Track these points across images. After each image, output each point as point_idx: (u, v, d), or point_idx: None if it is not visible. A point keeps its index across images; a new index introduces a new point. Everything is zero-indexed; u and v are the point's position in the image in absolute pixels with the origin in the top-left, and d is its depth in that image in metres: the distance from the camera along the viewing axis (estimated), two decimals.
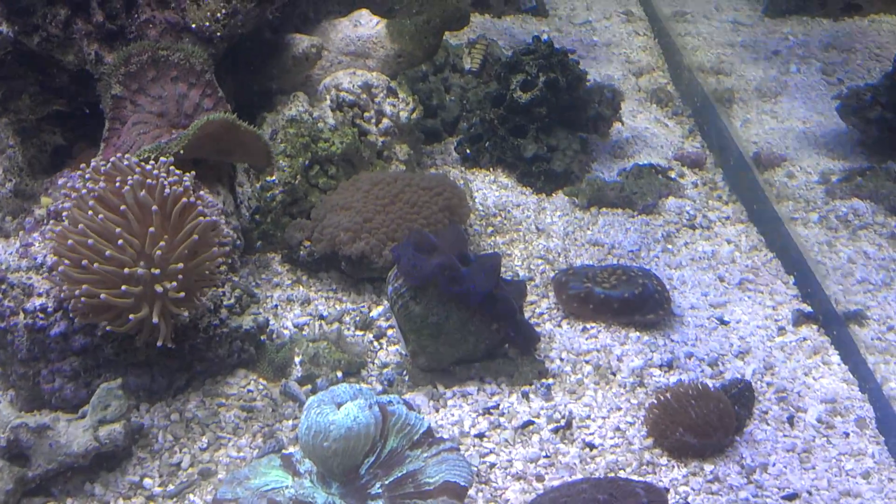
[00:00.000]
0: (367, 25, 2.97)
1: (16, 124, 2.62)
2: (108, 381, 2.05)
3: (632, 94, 3.49)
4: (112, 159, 2.13)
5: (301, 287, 2.52)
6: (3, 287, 2.11)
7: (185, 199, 2.04)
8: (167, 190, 2.03)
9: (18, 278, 2.13)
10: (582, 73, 3.04)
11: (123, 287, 1.94)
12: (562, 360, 2.23)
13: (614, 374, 2.18)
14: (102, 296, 1.95)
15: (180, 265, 1.97)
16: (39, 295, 2.10)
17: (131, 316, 1.95)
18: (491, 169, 3.03)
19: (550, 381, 2.16)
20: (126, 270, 1.96)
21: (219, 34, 2.57)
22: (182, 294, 1.98)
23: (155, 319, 1.96)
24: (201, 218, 2.04)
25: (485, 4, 3.97)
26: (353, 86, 2.87)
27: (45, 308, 2.08)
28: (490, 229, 2.74)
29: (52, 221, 2.19)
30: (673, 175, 2.97)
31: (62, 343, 2.09)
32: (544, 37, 3.10)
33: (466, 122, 3.14)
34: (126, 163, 2.12)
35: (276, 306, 2.44)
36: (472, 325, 2.19)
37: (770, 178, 2.94)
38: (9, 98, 2.60)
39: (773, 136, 3.16)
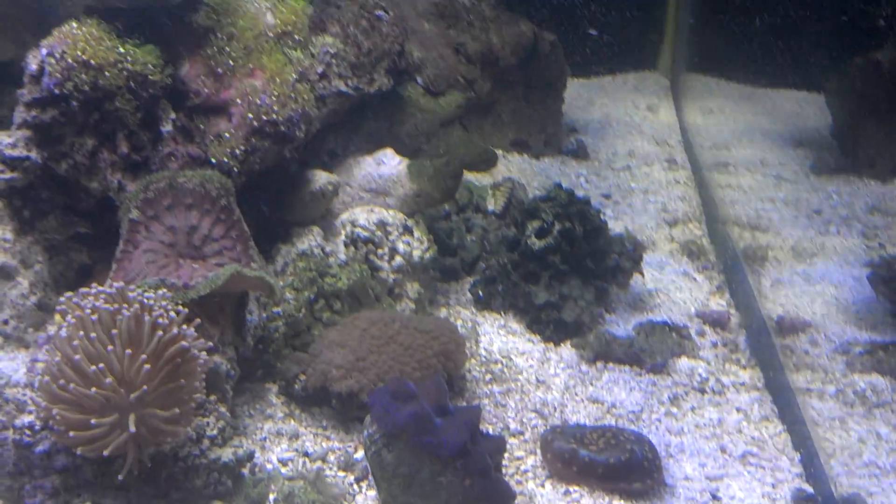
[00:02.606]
0: (389, 164, 3.26)
1: (44, 242, 2.96)
2: (85, 501, 2.28)
3: (663, 244, 3.66)
4: (118, 286, 2.42)
5: (292, 421, 2.72)
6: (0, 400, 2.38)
7: (173, 331, 2.31)
8: (158, 321, 2.30)
9: (14, 394, 2.40)
10: (602, 224, 3.24)
11: (95, 421, 2.19)
12: None
13: None
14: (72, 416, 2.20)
15: (153, 392, 2.21)
16: (30, 412, 2.36)
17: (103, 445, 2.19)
18: (502, 313, 3.22)
19: None
20: (100, 393, 2.20)
21: (236, 169, 2.89)
22: (158, 423, 2.21)
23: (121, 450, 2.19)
24: (185, 347, 2.30)
25: (524, 145, 4.25)
26: (369, 222, 3.14)
27: (33, 426, 2.34)
28: (489, 377, 2.91)
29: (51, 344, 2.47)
30: (689, 334, 3.10)
31: (45, 461, 2.34)
32: (567, 187, 3.33)
33: (485, 262, 3.36)
34: (131, 294, 2.41)
35: (265, 438, 2.65)
36: (444, 479, 2.34)
37: (791, 344, 3.04)
38: (37, 217, 2.95)
39: (803, 299, 3.26)
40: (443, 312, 3.22)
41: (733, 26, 4.59)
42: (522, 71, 4.15)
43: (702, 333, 3.15)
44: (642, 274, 3.30)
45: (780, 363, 2.89)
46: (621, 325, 3.16)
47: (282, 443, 2.63)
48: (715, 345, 3.10)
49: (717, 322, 3.21)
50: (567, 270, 3.16)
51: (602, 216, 3.26)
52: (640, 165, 4.28)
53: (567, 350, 3.05)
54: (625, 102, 4.92)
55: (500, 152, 4.10)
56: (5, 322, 2.99)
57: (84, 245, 3.02)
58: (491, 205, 3.52)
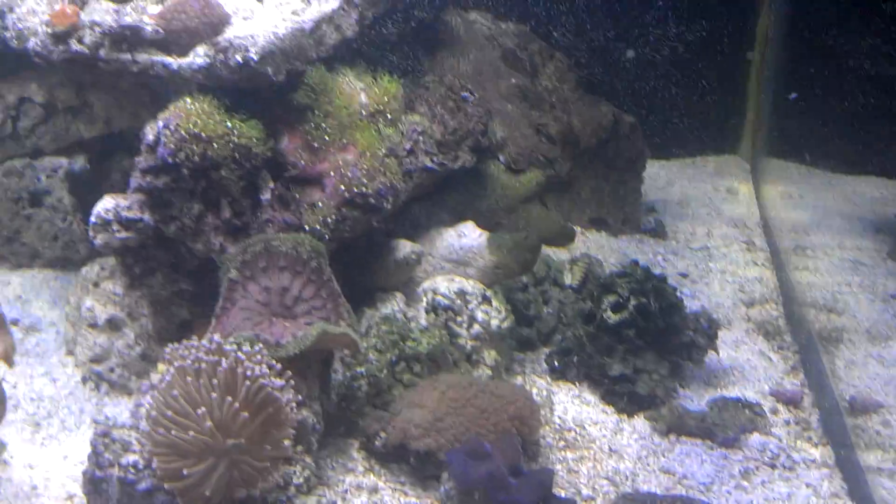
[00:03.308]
0: (470, 237, 3.49)
1: (150, 297, 3.26)
2: None
3: (740, 323, 3.80)
4: (217, 340, 2.68)
5: (372, 475, 2.92)
6: (106, 440, 2.64)
7: (262, 382, 2.55)
8: (250, 373, 2.55)
9: (120, 434, 2.66)
10: (677, 301, 3.40)
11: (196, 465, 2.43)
12: None
13: None
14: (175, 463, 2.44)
15: (247, 439, 2.44)
16: (134, 452, 2.61)
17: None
18: (577, 384, 3.38)
19: None
20: (199, 438, 2.45)
21: (327, 236, 3.15)
22: (251, 469, 2.44)
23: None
24: (278, 399, 2.53)
25: (603, 223, 4.44)
26: (450, 291, 3.36)
27: (137, 464, 2.59)
28: (562, 443, 3.07)
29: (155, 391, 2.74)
30: (762, 411, 3.21)
31: (147, 499, 2.58)
32: (643, 264, 3.51)
33: (561, 334, 3.54)
34: (228, 347, 2.67)
35: (346, 490, 2.85)
36: None
37: (863, 424, 3.13)
38: (146, 274, 3.25)
39: (876, 381, 3.35)
40: (518, 380, 3.40)
41: (815, 113, 4.75)
42: (602, 151, 4.37)
43: (775, 411, 3.26)
44: (717, 351, 3.44)
45: (851, 442, 2.98)
46: (695, 400, 3.30)
47: (362, 496, 2.82)
48: (787, 422, 3.21)
49: (791, 400, 3.32)
50: (642, 345, 3.32)
51: (678, 293, 3.42)
52: (719, 246, 4.44)
53: (640, 422, 3.19)
54: (704, 184, 5.10)
55: (578, 229, 4.30)
56: (111, 370, 3.29)
57: (185, 301, 3.31)
58: (568, 279, 3.72)
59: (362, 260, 3.35)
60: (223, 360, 2.59)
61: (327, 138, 3.31)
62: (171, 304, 3.31)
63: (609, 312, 3.33)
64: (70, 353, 3.42)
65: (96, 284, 3.40)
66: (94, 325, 3.33)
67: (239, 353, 2.62)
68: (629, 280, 3.36)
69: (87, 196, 3.97)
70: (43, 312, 3.68)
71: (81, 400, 3.24)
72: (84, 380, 3.31)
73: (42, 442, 3.04)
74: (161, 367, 3.09)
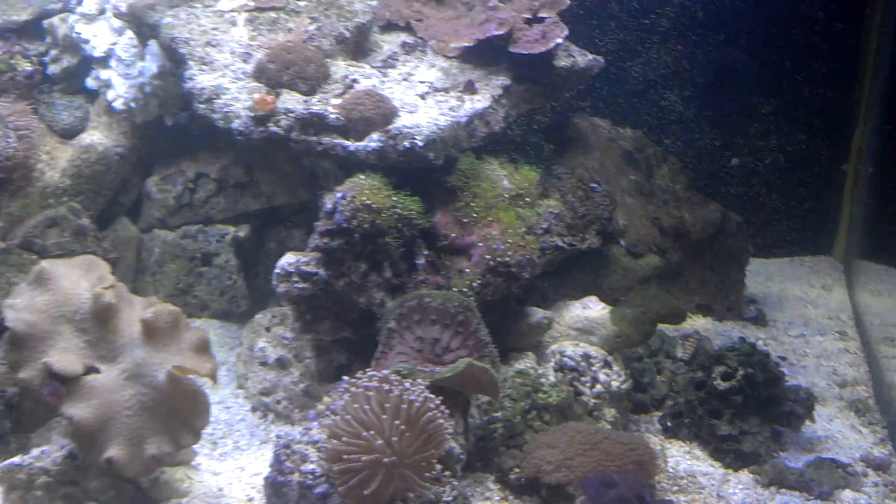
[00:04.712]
0: (594, 308, 3.97)
1: (315, 342, 3.79)
2: None
3: (832, 401, 4.17)
4: (384, 372, 3.18)
5: None
6: (288, 451, 3.12)
7: (427, 406, 3.03)
8: (416, 400, 3.03)
9: (299, 448, 3.15)
10: (780, 374, 3.80)
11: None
12: None
13: None
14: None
15: (410, 456, 2.91)
16: (311, 462, 3.09)
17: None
18: (687, 442, 3.78)
19: None
20: (369, 458, 2.93)
21: (472, 299, 3.65)
22: (412, 483, 2.90)
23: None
24: (437, 422, 3.00)
25: (709, 309, 4.88)
26: (575, 354, 3.82)
27: (314, 472, 3.06)
28: (675, 488, 3.46)
29: (328, 413, 3.24)
30: (854, 471, 3.56)
31: (322, 501, 3.04)
32: (750, 340, 3.93)
33: (672, 400, 3.95)
34: (393, 378, 3.16)
35: None
36: None
37: None
38: (314, 321, 3.79)
39: None
40: (631, 432, 3.82)
41: None
42: (710, 245, 4.84)
43: (865, 474, 3.60)
44: (813, 420, 3.81)
45: None
46: (793, 461, 3.66)
47: None
48: (876, 484, 3.55)
49: (880, 466, 3.66)
50: (747, 410, 3.72)
51: (780, 368, 3.83)
52: (814, 335, 4.83)
53: (745, 475, 3.57)
54: (801, 281, 5.53)
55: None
56: (278, 402, 3.80)
57: (344, 348, 3.82)
58: (680, 352, 4.14)
59: (500, 322, 3.84)
60: (391, 387, 3.07)
61: (475, 215, 3.85)
62: (332, 349, 3.82)
63: (719, 380, 3.74)
64: (241, 387, 3.96)
65: (268, 329, 3.95)
66: (264, 363, 3.87)
67: (404, 384, 3.11)
68: (737, 353, 3.78)
69: (249, 259, 4.60)
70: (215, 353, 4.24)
71: (251, 425, 3.76)
72: (253, 409, 3.84)
73: (219, 457, 3.55)
74: (326, 399, 3.60)
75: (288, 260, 3.74)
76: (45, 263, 3.23)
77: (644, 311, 3.94)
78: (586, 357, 3.82)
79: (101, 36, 4.49)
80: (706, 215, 4.81)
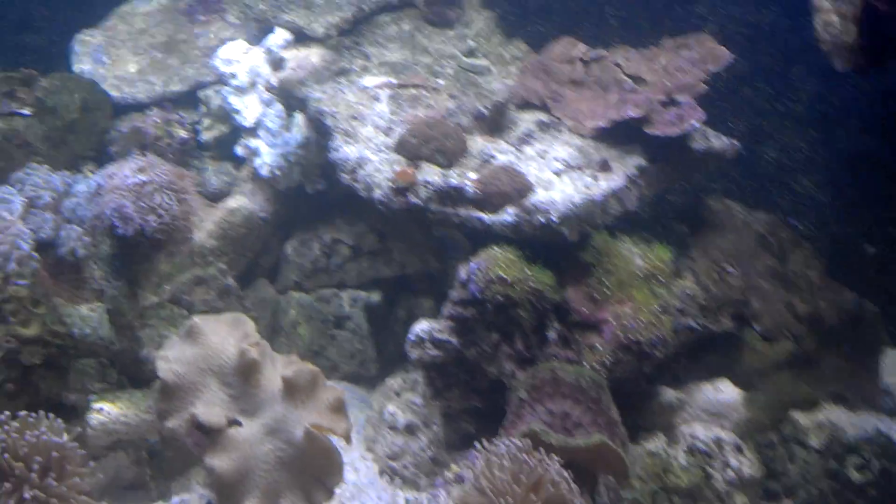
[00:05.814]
0: (726, 392, 3.92)
1: (444, 409, 3.85)
2: None
3: None
4: (517, 442, 3.21)
5: None
6: None
7: (561, 481, 3.03)
8: (551, 475, 3.05)
9: None
10: None
11: None
12: None
13: None
14: None
15: None
16: None
17: None
18: None
19: None
20: None
21: (603, 375, 3.66)
22: None
23: None
24: (570, 499, 3.00)
25: (842, 398, 4.68)
26: (707, 437, 3.77)
27: None
28: None
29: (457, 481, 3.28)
30: None
31: None
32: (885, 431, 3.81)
33: (805, 490, 3.84)
34: (522, 456, 3.19)
35: None
36: None
37: None
38: (444, 389, 3.85)
39: None
40: None
41: None
42: (845, 333, 4.72)
43: None
44: None
45: None
46: None
47: None
48: None
49: None
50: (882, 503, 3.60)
51: None
52: None
53: None
54: None
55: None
56: (405, 467, 3.86)
57: (472, 417, 3.86)
58: (812, 441, 4.03)
59: (630, 400, 3.82)
60: (527, 457, 3.09)
61: (607, 292, 3.87)
62: (460, 417, 3.87)
63: (853, 472, 3.63)
64: (369, 449, 4.03)
65: (398, 394, 4.03)
66: (393, 428, 3.94)
67: (541, 458, 3.12)
68: (873, 445, 3.67)
69: (379, 324, 4.71)
70: None
71: (379, 489, 3.82)
72: (381, 472, 3.90)
73: None
74: (454, 467, 3.64)
75: (422, 327, 3.82)
76: (196, 319, 3.38)
77: (777, 398, 3.87)
78: (718, 441, 3.76)
79: (251, 107, 4.75)
80: (842, 303, 4.70)
